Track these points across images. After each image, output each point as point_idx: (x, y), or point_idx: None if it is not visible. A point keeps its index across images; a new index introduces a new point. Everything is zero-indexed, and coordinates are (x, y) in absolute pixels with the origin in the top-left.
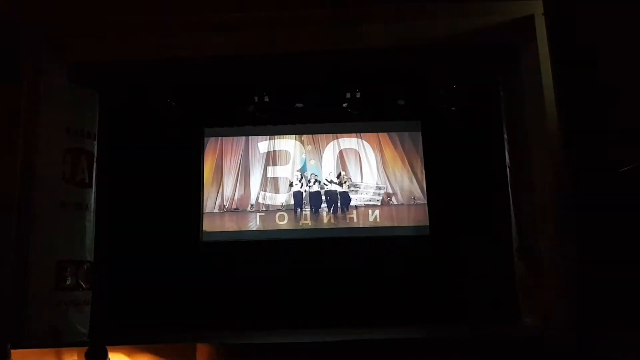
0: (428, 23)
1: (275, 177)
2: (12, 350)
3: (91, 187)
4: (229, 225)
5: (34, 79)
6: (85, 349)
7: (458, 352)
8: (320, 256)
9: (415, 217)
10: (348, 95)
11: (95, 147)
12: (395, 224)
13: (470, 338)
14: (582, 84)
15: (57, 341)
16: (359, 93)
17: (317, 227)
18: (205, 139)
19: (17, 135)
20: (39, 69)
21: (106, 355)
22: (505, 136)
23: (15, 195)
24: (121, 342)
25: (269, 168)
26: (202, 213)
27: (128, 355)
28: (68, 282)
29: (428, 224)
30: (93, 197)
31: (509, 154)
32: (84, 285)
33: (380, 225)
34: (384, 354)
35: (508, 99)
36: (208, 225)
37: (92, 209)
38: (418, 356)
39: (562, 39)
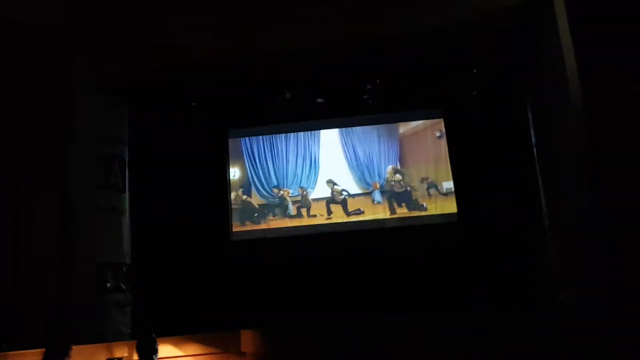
0: (447, 8)
1: None
2: None
3: (125, 191)
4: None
5: (66, 89)
6: (134, 342)
7: (493, 333)
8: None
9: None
10: (369, 86)
11: (127, 152)
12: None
13: (505, 318)
14: (604, 59)
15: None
16: (379, 83)
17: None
18: (230, 140)
19: (52, 145)
20: (70, 79)
21: (156, 346)
22: (530, 115)
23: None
24: (168, 334)
25: None
26: (231, 214)
27: (175, 345)
28: (109, 285)
29: (456, 210)
30: (127, 201)
31: (534, 132)
32: (124, 287)
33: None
34: (426, 335)
35: (530, 79)
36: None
37: (127, 213)
38: (458, 338)
39: (582, 15)
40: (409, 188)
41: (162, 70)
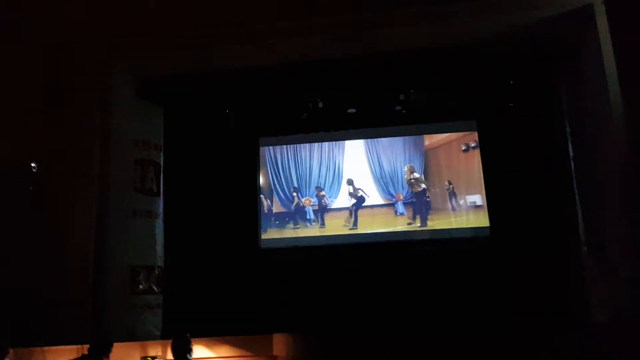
0: (486, 19)
1: None
2: None
3: (159, 195)
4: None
5: (106, 95)
6: (167, 342)
7: (526, 352)
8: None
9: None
10: (402, 97)
11: (162, 157)
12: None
13: (539, 336)
14: None
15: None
16: (413, 94)
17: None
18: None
19: (92, 149)
20: (108, 86)
21: (190, 346)
22: (568, 129)
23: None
24: (201, 335)
25: None
26: (260, 221)
27: (208, 346)
28: (141, 287)
29: (488, 224)
30: (161, 205)
31: (572, 147)
32: (156, 290)
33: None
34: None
35: (569, 91)
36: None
37: (161, 217)
38: (490, 354)
39: (624, 27)
40: (429, 187)
41: (197, 78)
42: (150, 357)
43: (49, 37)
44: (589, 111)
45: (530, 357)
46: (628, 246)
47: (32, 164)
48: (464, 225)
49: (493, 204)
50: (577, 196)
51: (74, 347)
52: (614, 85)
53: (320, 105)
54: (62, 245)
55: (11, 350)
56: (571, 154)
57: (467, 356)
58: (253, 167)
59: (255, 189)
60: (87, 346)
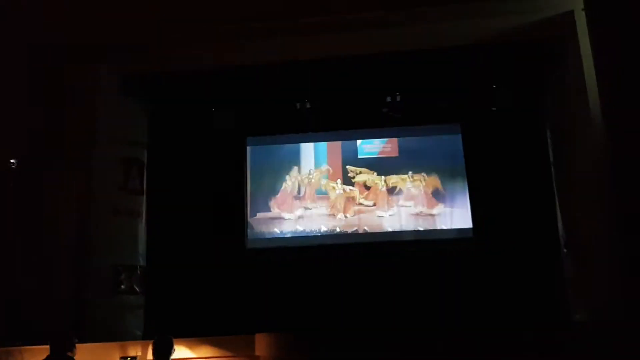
0: (468, 23)
1: None
2: (78, 345)
3: (142, 194)
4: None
5: (90, 92)
6: (147, 342)
7: (509, 351)
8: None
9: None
10: (388, 99)
11: (146, 156)
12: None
13: (520, 336)
14: (626, 78)
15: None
16: (399, 96)
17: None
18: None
19: (75, 146)
20: (94, 83)
21: (172, 346)
22: (549, 133)
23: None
24: (183, 335)
25: None
26: (247, 219)
27: (189, 347)
28: (123, 287)
29: (471, 226)
30: (144, 204)
31: (552, 151)
32: (137, 289)
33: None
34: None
35: (550, 96)
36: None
37: (144, 216)
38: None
39: (604, 33)
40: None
41: (183, 76)
42: (130, 357)
43: (34, 37)
44: (569, 116)
45: (512, 356)
46: (606, 247)
47: (12, 160)
48: (448, 227)
49: (476, 206)
50: (556, 199)
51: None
52: (593, 90)
53: (308, 105)
54: (43, 243)
55: None
56: (551, 158)
57: (449, 355)
58: (240, 166)
59: (242, 188)
60: None
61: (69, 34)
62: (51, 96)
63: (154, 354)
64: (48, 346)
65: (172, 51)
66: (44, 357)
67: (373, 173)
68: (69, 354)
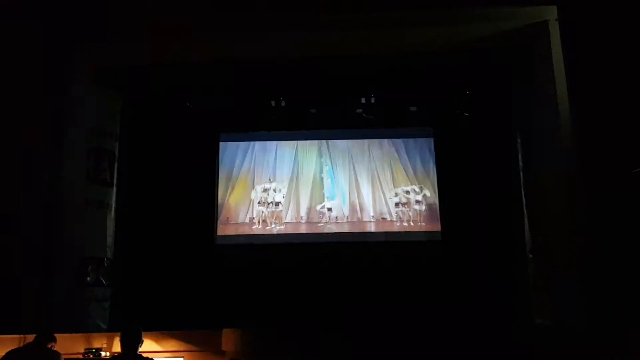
0: (443, 29)
1: None
2: None
3: (112, 186)
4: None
5: (60, 81)
6: (113, 334)
7: (469, 354)
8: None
9: (427, 222)
10: (363, 100)
11: (117, 147)
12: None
13: (481, 340)
14: (595, 86)
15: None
16: (373, 98)
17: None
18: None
19: (43, 136)
20: (65, 72)
21: (140, 337)
22: (518, 139)
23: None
24: (149, 329)
25: None
26: (217, 217)
27: (156, 341)
28: (89, 279)
29: (440, 229)
30: (114, 195)
31: (521, 156)
32: (104, 282)
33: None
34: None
35: (521, 103)
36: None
37: (113, 208)
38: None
39: (576, 43)
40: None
41: (159, 68)
42: (95, 348)
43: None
44: (539, 124)
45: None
46: (570, 253)
47: None
48: (417, 230)
49: (445, 209)
50: (524, 205)
51: (17, 336)
52: (563, 98)
53: (283, 104)
54: (9, 234)
55: None
56: (521, 164)
57: (411, 356)
58: (212, 161)
59: (213, 184)
60: (30, 336)
61: (45, 19)
62: (20, 79)
63: (122, 344)
64: (12, 336)
65: (149, 43)
66: (8, 347)
67: None
68: (49, 345)
